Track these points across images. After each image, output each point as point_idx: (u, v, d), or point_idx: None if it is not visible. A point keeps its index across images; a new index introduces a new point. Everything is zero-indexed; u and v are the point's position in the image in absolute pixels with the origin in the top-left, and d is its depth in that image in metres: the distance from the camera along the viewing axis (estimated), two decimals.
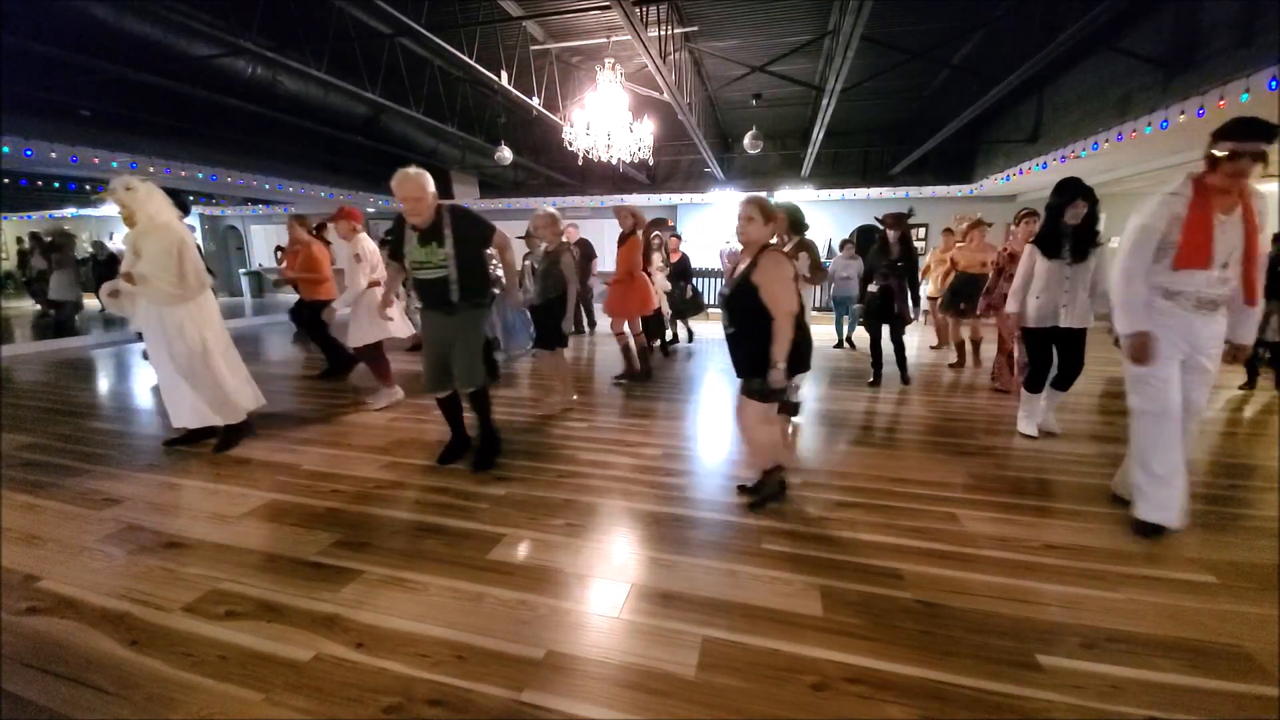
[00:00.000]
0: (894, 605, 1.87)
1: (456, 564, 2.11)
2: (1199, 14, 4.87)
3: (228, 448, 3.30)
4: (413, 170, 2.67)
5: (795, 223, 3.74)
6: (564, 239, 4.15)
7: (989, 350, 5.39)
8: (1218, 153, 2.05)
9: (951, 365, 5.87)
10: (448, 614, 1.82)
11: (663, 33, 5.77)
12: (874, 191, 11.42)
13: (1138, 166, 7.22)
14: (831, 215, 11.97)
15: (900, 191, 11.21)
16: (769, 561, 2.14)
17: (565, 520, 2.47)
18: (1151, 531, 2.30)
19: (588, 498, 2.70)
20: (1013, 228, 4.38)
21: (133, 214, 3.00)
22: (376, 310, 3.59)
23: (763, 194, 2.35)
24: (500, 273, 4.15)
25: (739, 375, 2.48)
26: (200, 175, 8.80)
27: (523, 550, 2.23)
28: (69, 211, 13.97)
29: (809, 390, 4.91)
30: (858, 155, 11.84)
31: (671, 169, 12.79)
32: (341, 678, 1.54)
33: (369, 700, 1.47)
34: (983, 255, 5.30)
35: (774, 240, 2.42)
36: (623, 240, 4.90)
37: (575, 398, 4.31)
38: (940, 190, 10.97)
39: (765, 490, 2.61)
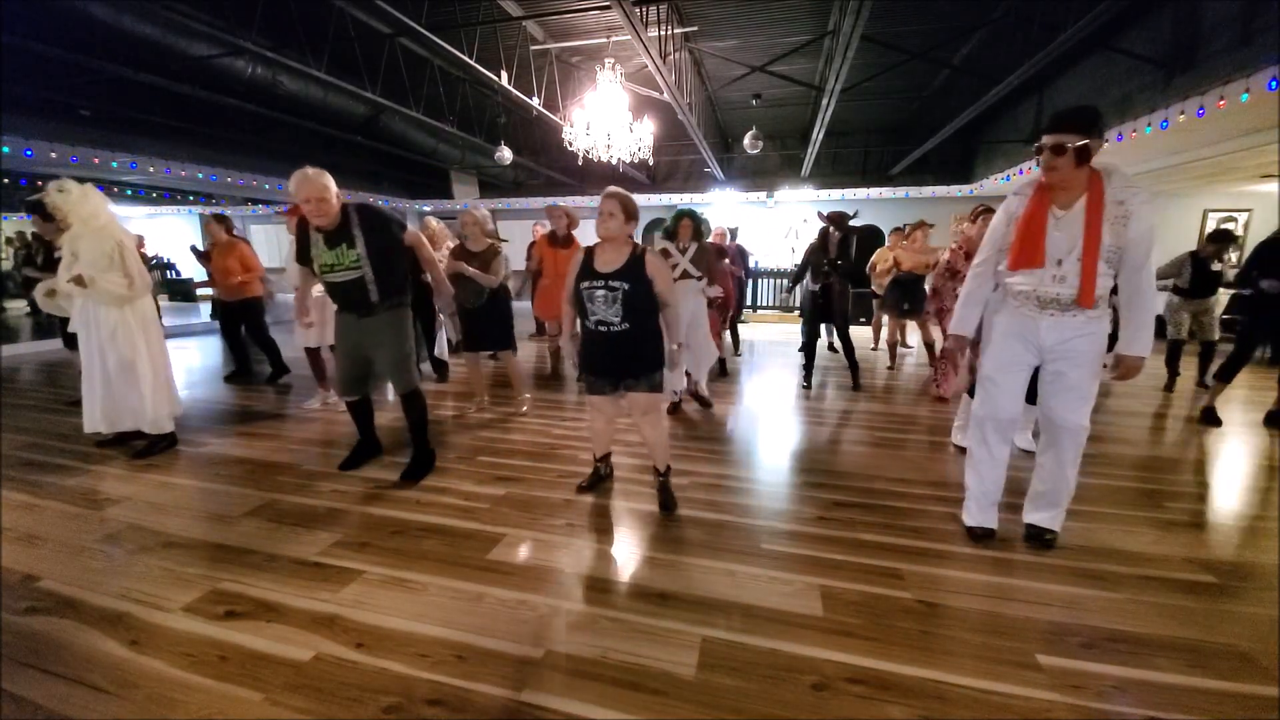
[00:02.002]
0: (894, 605, 1.87)
1: (456, 564, 2.11)
2: (1199, 14, 4.87)
3: (149, 454, 3.24)
4: (311, 170, 2.55)
5: (699, 229, 3.92)
6: (493, 240, 4.00)
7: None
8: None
9: (889, 367, 5.93)
10: (448, 614, 1.82)
11: (663, 33, 5.77)
12: (874, 191, 11.42)
13: (1138, 166, 7.22)
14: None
15: (900, 191, 11.22)
16: (769, 561, 2.14)
17: (565, 520, 2.47)
18: (979, 535, 2.31)
19: (588, 498, 2.70)
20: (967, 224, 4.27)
21: (66, 217, 2.96)
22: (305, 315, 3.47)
23: (624, 190, 2.39)
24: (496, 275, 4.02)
25: (631, 375, 2.43)
26: (200, 175, 8.81)
27: (523, 550, 2.23)
28: None
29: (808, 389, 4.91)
30: (858, 155, 11.85)
31: (671, 169, 12.79)
32: (341, 678, 1.54)
33: (369, 700, 1.47)
34: (926, 256, 5.30)
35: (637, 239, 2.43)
36: (565, 243, 4.75)
37: (486, 400, 4.24)
38: (940, 190, 10.98)
39: (669, 484, 2.64)
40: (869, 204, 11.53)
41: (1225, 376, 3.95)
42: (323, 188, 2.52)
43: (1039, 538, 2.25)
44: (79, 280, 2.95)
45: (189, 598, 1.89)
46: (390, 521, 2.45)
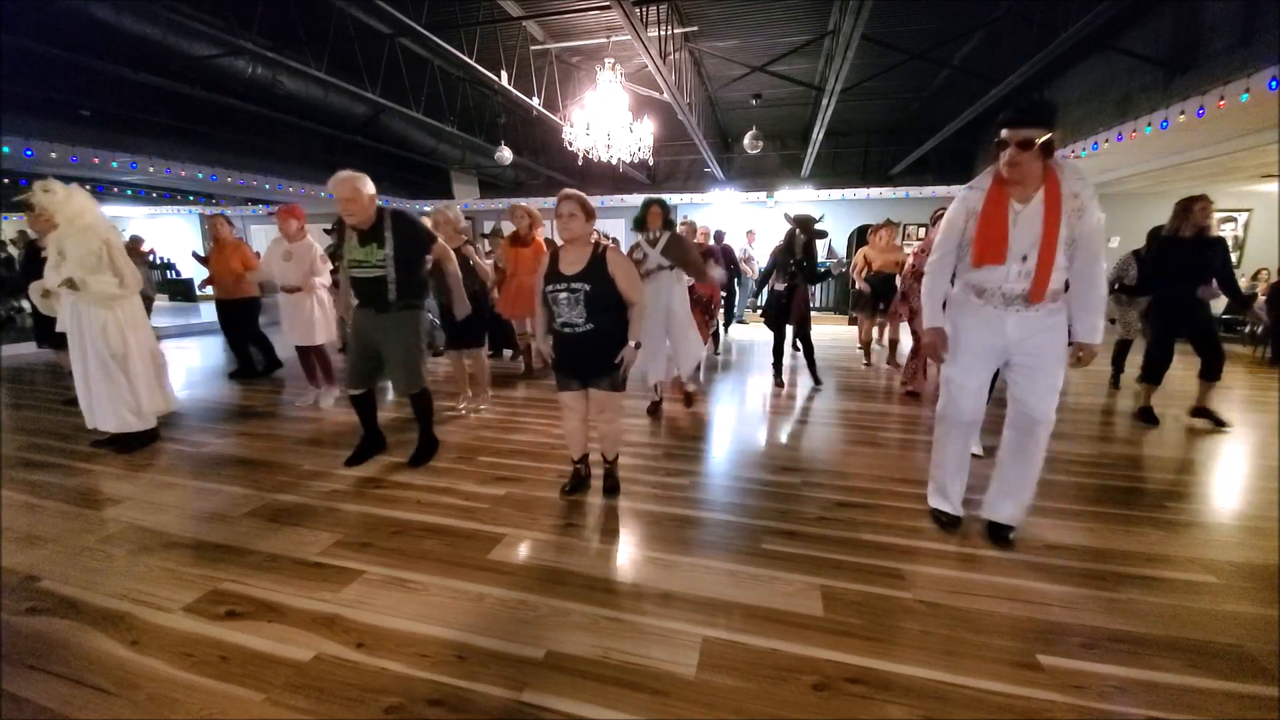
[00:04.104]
0: (894, 605, 1.87)
1: (456, 564, 2.11)
2: (1199, 14, 4.87)
3: (128, 450, 3.28)
4: (348, 173, 2.72)
5: (668, 218, 3.86)
6: (466, 237, 4.08)
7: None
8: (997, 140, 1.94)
9: (865, 364, 5.98)
10: (448, 614, 1.82)
11: (663, 33, 5.77)
12: (874, 191, 11.41)
13: (1138, 166, 7.22)
14: (832, 215, 11.97)
15: (900, 191, 11.21)
16: (769, 561, 2.14)
17: (565, 520, 2.47)
18: (945, 522, 2.39)
19: (588, 498, 2.69)
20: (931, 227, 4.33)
21: (52, 217, 2.99)
22: (332, 308, 3.92)
23: (579, 191, 2.42)
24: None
25: (595, 373, 2.47)
26: (200, 175, 8.79)
27: (523, 550, 2.23)
28: None
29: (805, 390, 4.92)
30: (858, 155, 11.85)
31: (671, 169, 12.79)
32: (342, 678, 1.54)
33: (369, 700, 1.47)
34: (893, 255, 5.40)
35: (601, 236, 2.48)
36: (526, 242, 4.75)
37: (485, 406, 4.26)
38: (940, 190, 10.97)
39: (616, 472, 2.77)
40: (869, 204, 11.54)
41: (1151, 379, 3.96)
42: (354, 189, 2.71)
43: (1004, 536, 2.26)
44: (70, 283, 2.97)
45: (189, 598, 1.89)
46: (391, 521, 2.45)
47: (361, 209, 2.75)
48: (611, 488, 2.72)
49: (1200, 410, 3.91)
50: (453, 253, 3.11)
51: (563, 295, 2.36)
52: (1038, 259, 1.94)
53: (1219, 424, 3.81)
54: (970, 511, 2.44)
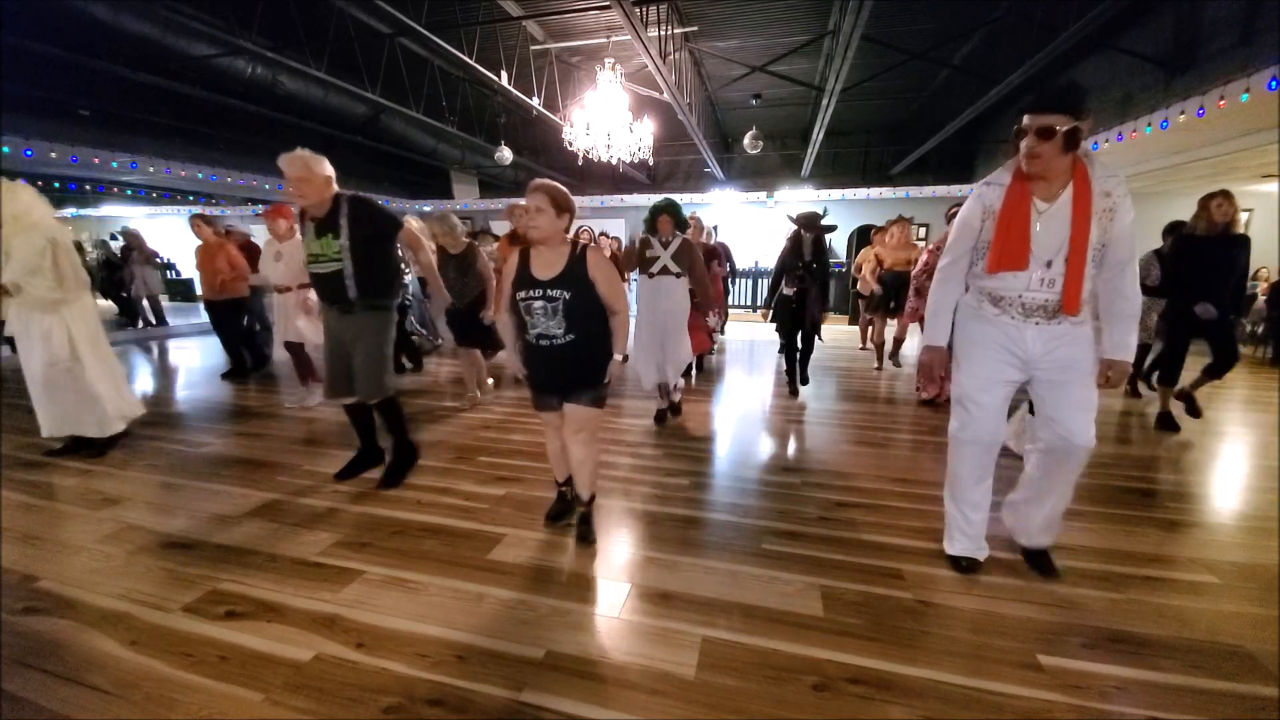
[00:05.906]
0: (894, 605, 1.87)
1: (456, 564, 2.11)
2: (1199, 14, 4.88)
3: (89, 454, 3.20)
4: (300, 151, 2.44)
5: (679, 220, 3.72)
6: (469, 239, 4.13)
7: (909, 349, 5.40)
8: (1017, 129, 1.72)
9: (876, 369, 5.82)
10: (448, 614, 1.81)
11: (663, 33, 5.77)
12: (874, 191, 11.42)
13: (1138, 166, 7.22)
14: (832, 215, 11.97)
15: (900, 191, 11.22)
16: (769, 561, 2.13)
17: (565, 520, 2.46)
18: (965, 567, 2.07)
19: None
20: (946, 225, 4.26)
21: None
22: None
23: (552, 181, 2.08)
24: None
25: (576, 388, 2.14)
26: (200, 175, 8.81)
27: (523, 550, 2.22)
28: (69, 211, 13.97)
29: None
30: (858, 155, 11.87)
31: (671, 169, 12.81)
32: (341, 678, 1.54)
33: (369, 700, 1.46)
34: (906, 253, 5.28)
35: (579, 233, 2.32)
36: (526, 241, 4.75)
37: (482, 396, 4.41)
38: (940, 190, 10.97)
39: (591, 515, 2.34)
40: (869, 204, 11.54)
41: (1169, 381, 3.85)
42: (304, 167, 2.42)
43: (1048, 563, 2.06)
44: (3, 289, 2.84)
45: (189, 598, 1.89)
46: (391, 521, 2.45)
47: (315, 191, 2.45)
48: (585, 535, 2.27)
49: (1185, 394, 3.84)
50: (425, 241, 2.84)
51: (537, 304, 2.03)
52: (1067, 266, 1.72)
53: (1194, 413, 3.80)
54: (991, 514, 2.28)
